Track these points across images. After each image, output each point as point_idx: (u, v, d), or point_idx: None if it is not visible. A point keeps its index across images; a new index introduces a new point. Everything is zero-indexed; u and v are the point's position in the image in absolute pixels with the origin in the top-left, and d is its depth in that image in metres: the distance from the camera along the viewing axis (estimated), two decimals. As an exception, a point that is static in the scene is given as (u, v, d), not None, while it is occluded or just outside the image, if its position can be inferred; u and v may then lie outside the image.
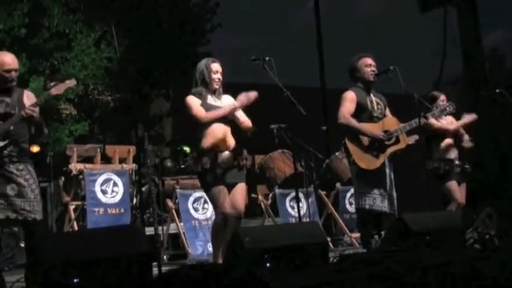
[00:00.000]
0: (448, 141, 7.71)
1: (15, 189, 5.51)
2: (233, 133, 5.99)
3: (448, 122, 7.80)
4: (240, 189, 5.87)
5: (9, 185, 5.51)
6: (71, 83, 5.78)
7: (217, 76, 5.97)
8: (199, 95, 5.91)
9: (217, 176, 5.73)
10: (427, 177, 7.67)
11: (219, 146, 5.78)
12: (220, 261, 5.82)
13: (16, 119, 5.54)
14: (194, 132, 5.93)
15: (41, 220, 5.70)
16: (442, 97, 7.74)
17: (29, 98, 5.78)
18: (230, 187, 5.81)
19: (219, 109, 5.88)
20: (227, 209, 5.74)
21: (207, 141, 5.80)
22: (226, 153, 5.81)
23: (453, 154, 7.69)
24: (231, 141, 5.92)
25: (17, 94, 5.74)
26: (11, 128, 5.53)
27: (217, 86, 5.98)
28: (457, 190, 7.59)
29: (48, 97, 5.74)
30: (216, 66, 5.99)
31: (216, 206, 5.81)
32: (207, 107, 5.86)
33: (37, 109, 5.54)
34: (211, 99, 5.93)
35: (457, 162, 7.67)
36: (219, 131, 5.83)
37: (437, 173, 7.59)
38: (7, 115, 5.58)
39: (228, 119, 5.93)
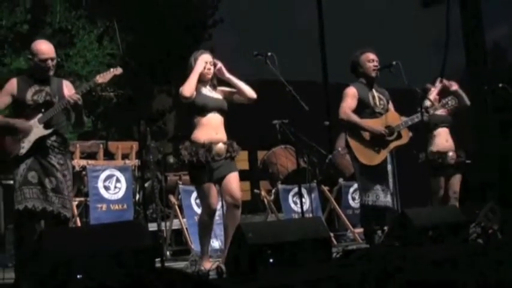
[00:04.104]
0: (442, 131, 7.64)
1: (53, 183, 5.55)
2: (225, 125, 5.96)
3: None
4: (234, 177, 5.82)
5: (47, 178, 5.53)
6: (116, 70, 5.76)
7: (206, 66, 5.91)
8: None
9: (211, 170, 5.72)
10: (422, 169, 7.66)
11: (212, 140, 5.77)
12: (209, 257, 5.91)
13: (58, 107, 5.55)
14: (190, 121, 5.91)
15: (69, 218, 5.77)
16: (433, 89, 7.69)
17: (67, 87, 5.81)
18: (222, 178, 5.80)
19: (215, 99, 5.87)
20: (215, 205, 5.77)
21: (202, 135, 5.78)
22: (221, 145, 5.78)
23: (447, 145, 7.67)
24: (224, 134, 5.88)
25: (56, 83, 5.76)
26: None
27: (209, 76, 5.91)
28: (443, 187, 7.60)
29: (94, 85, 5.72)
30: (204, 58, 5.94)
31: (204, 202, 5.81)
32: (202, 98, 5.82)
33: (80, 97, 5.55)
34: (206, 90, 5.90)
35: (450, 153, 7.66)
36: (213, 122, 5.81)
37: (431, 165, 7.54)
38: (48, 104, 5.59)
39: (223, 109, 5.91)
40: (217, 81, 6.03)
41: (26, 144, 5.53)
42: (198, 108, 5.80)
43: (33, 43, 5.75)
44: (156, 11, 14.16)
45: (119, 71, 5.77)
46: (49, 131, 5.56)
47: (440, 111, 7.58)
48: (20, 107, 5.64)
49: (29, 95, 5.61)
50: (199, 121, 5.81)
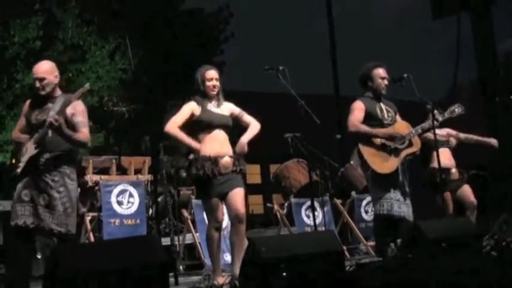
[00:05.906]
0: (444, 151, 7.56)
1: (46, 200, 5.54)
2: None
3: (444, 134, 7.73)
4: (237, 193, 5.78)
5: (41, 195, 5.54)
6: (84, 88, 5.64)
7: (211, 83, 5.91)
8: (198, 103, 5.92)
9: (218, 184, 5.73)
10: (425, 187, 7.64)
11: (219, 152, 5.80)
12: (222, 271, 5.91)
13: (46, 128, 5.51)
14: (193, 135, 5.91)
15: (71, 233, 5.63)
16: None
17: (72, 106, 5.66)
18: (226, 194, 5.79)
19: (220, 116, 5.89)
20: (221, 218, 5.81)
21: (208, 149, 5.77)
22: (227, 158, 5.80)
23: (450, 163, 7.64)
24: (230, 148, 5.89)
25: (62, 102, 5.63)
26: (49, 135, 5.54)
27: (213, 93, 5.93)
28: (451, 201, 7.57)
29: (69, 103, 5.56)
30: (210, 74, 5.95)
31: (210, 215, 5.83)
32: (208, 114, 5.85)
33: (60, 118, 5.45)
34: (211, 106, 5.91)
35: (453, 170, 7.65)
36: (219, 138, 5.83)
37: (433, 182, 7.52)
38: (45, 123, 5.56)
39: (228, 126, 5.92)
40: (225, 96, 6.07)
41: (21, 164, 5.58)
42: (204, 125, 5.84)
43: None
44: (168, 27, 14.24)
45: (85, 88, 5.64)
46: (36, 151, 5.54)
47: (441, 136, 7.52)
48: (29, 126, 5.71)
49: (34, 114, 5.67)
50: (204, 137, 5.83)
